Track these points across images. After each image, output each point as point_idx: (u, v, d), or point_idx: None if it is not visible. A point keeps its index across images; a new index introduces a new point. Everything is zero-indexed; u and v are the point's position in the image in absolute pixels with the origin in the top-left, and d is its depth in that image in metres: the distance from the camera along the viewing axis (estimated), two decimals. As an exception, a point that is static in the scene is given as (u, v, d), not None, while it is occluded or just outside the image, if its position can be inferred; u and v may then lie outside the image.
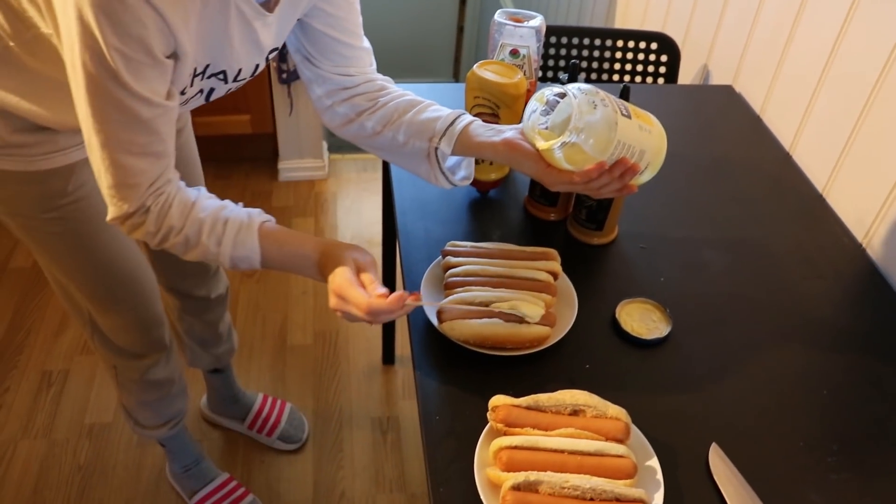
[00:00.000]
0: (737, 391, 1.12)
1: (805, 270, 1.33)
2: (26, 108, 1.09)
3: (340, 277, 0.96)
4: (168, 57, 0.91)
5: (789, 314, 1.24)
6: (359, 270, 0.99)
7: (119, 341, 1.49)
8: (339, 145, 3.23)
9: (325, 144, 3.07)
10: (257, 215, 1.04)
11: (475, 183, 1.40)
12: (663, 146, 1.08)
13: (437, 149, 1.13)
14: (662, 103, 1.78)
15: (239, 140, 2.99)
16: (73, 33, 0.84)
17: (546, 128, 1.02)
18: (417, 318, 1.16)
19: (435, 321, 1.12)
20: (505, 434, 0.97)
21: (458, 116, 1.13)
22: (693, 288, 1.27)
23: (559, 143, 1.00)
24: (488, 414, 0.99)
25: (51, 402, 2.19)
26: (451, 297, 1.12)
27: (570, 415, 0.99)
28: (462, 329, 1.08)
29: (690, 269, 1.31)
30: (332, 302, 0.97)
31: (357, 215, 2.90)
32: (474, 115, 1.30)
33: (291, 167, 3.01)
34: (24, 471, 2.01)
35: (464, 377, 1.09)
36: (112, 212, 0.97)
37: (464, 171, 1.20)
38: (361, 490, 2.03)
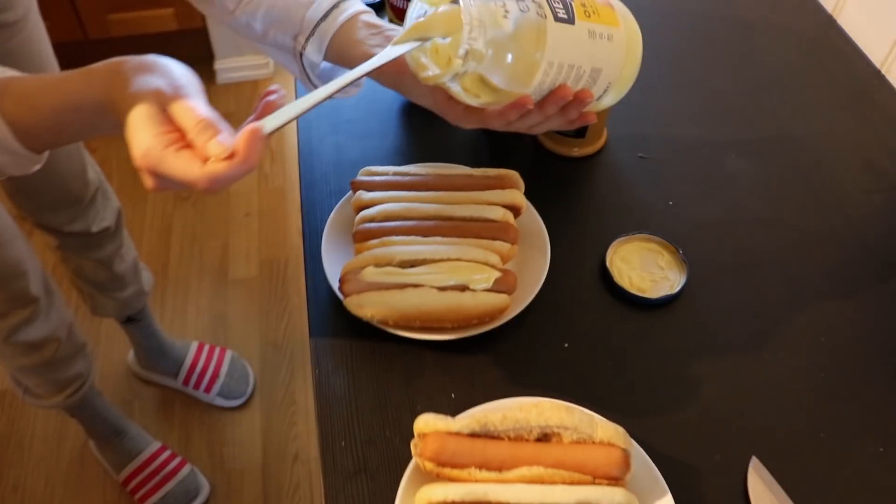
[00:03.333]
0: (784, 373, 0.77)
1: (866, 180, 0.96)
2: None
3: (143, 139, 0.55)
4: None
5: (849, 246, 0.88)
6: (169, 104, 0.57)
7: None
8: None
9: (267, 38, 2.65)
10: None
11: (408, 79, 1.01)
12: (636, 54, 0.68)
13: (302, 53, 0.75)
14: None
15: (165, 39, 2.58)
16: None
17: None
18: (318, 288, 0.80)
19: (339, 293, 0.76)
20: (438, 477, 0.63)
21: (337, 4, 0.74)
22: (714, 214, 0.91)
23: (449, 76, 0.61)
24: (413, 445, 0.64)
25: (-45, 364, 1.87)
26: (363, 255, 0.75)
27: (537, 441, 0.64)
28: (376, 305, 0.73)
29: (710, 185, 0.94)
30: (149, 183, 0.57)
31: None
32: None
33: (230, 67, 2.63)
34: (-77, 449, 1.72)
35: (383, 376, 0.74)
36: None
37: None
38: (318, 450, 1.72)
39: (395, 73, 0.71)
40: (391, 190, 0.81)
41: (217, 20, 0.84)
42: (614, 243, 0.85)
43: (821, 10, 1.23)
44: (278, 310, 2.00)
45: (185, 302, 2.02)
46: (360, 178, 0.84)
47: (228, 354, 1.84)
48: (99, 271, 1.49)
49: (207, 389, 1.80)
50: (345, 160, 0.94)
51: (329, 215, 0.84)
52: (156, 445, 1.68)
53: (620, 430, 0.65)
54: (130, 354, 1.85)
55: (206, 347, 1.84)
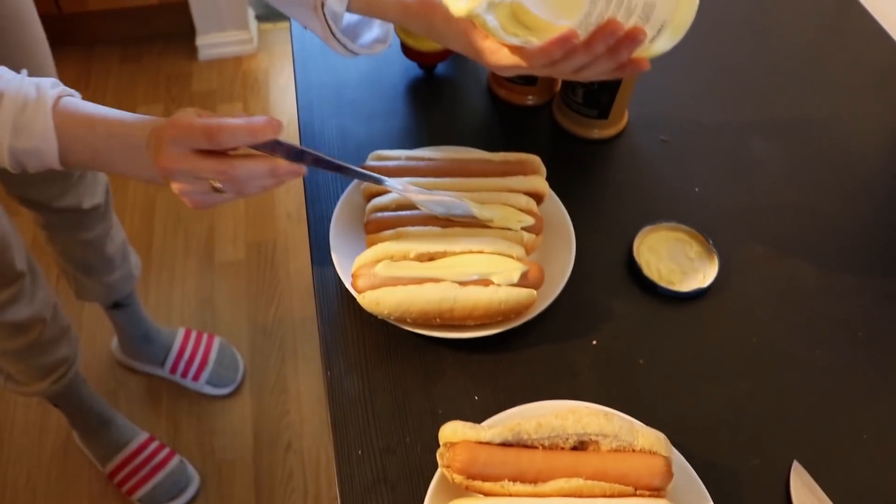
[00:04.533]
0: (822, 370, 0.73)
1: (895, 164, 0.91)
2: None
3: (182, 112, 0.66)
4: None
5: (880, 233, 0.84)
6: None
7: None
8: (269, 13, 2.70)
9: (251, 12, 2.57)
10: (51, 87, 0.68)
11: (414, 55, 0.95)
12: None
13: (324, 4, 0.69)
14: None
15: (146, 13, 2.48)
16: None
17: None
18: (328, 284, 0.75)
19: (351, 289, 0.70)
20: (467, 490, 0.58)
21: None
22: (742, 200, 0.86)
23: (484, 4, 0.56)
24: (439, 455, 0.60)
25: (-71, 353, 1.79)
26: (377, 247, 0.70)
27: (573, 449, 0.60)
28: (393, 302, 0.67)
29: (736, 170, 0.89)
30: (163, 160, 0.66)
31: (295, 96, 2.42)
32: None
33: (212, 43, 2.51)
34: None
35: (400, 378, 0.69)
36: None
37: (377, 31, 0.77)
38: (311, 439, 1.69)
39: (424, 14, 0.66)
40: (404, 176, 0.76)
41: None
42: (641, 232, 0.80)
43: (838, -15, 1.18)
44: (267, 294, 1.94)
45: (171, 286, 1.95)
46: (370, 163, 0.78)
47: (217, 341, 1.78)
48: (88, 253, 1.41)
49: (196, 377, 1.73)
50: (350, 143, 0.88)
51: (336, 202, 0.78)
52: (143, 436, 1.61)
53: (662, 436, 0.60)
54: (114, 342, 1.77)
55: (194, 334, 1.78)
